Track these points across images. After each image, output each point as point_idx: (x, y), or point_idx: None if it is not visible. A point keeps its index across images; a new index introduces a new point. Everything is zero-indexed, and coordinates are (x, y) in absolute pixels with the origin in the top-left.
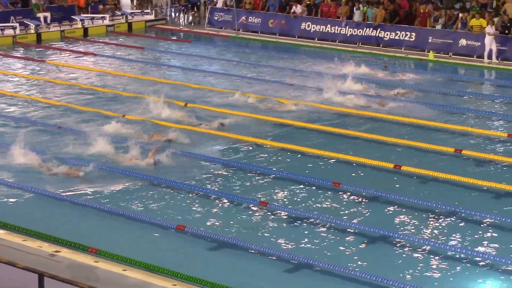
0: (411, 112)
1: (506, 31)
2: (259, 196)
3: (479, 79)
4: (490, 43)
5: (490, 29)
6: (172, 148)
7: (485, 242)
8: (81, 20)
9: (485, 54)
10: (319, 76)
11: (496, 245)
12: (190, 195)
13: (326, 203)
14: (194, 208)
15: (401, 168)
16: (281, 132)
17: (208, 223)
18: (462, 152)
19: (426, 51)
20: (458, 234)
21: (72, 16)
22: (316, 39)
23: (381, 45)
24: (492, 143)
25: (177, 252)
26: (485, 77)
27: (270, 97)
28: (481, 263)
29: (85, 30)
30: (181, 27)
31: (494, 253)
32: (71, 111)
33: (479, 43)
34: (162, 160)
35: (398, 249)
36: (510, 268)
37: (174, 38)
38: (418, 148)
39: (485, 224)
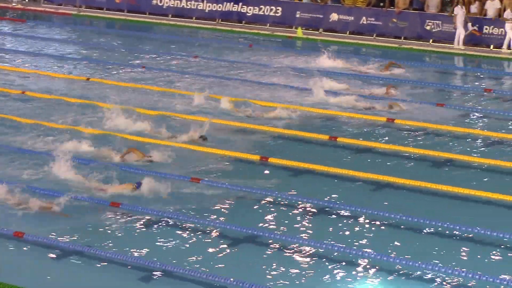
0: None
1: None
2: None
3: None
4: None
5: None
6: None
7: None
8: None
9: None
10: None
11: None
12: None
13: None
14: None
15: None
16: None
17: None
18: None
19: (294, 27)
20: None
21: None
22: (170, 16)
23: (243, 22)
24: (371, 127)
25: None
26: (357, 53)
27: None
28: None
29: None
30: (14, 5)
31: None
32: None
33: (352, 18)
34: (148, 185)
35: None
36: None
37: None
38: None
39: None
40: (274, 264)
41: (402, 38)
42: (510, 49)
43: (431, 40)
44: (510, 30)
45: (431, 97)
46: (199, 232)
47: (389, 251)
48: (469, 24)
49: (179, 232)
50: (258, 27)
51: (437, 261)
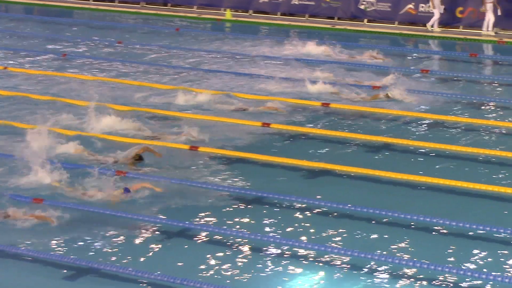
0: None
1: None
2: None
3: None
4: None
5: None
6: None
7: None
8: None
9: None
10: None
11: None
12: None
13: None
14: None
15: None
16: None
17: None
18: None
19: (222, 9)
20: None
21: None
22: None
23: (169, 5)
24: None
25: None
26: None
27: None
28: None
29: None
30: None
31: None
32: None
33: None
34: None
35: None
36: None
37: None
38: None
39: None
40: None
41: (336, 18)
42: (489, 31)
43: (365, 20)
44: (490, 11)
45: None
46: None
47: (331, 241)
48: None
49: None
50: (185, 10)
51: (384, 252)
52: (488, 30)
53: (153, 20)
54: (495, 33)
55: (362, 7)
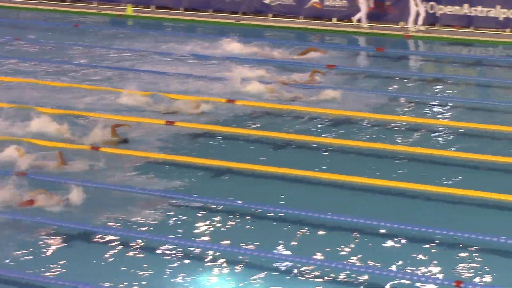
0: None
1: None
2: None
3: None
4: None
5: None
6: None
7: None
8: None
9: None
10: None
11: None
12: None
13: None
14: None
15: None
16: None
17: None
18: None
19: (123, 5)
20: None
21: None
22: None
23: (67, 0)
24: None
25: None
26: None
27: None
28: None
29: None
30: None
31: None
32: None
33: None
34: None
35: None
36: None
37: None
38: None
39: None
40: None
41: (240, 13)
42: (417, 25)
43: (270, 14)
44: (414, 4)
45: None
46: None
47: (234, 240)
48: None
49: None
50: (84, 6)
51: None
52: (416, 25)
53: (51, 17)
54: (424, 29)
55: (266, 1)
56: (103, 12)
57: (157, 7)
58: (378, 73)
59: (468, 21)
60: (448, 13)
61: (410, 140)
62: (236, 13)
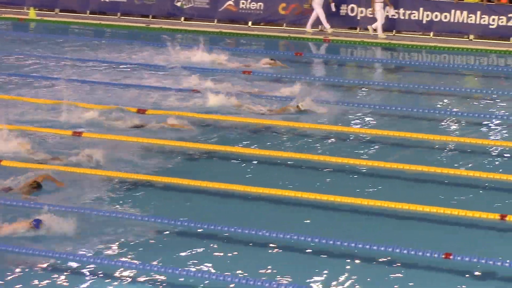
0: None
1: None
2: None
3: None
4: None
5: None
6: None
7: None
8: None
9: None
10: None
11: None
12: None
13: None
14: None
15: None
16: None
17: None
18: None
19: (26, 8)
20: None
21: None
22: None
23: None
24: None
25: None
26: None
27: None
28: None
29: None
30: None
31: None
32: None
33: None
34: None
35: None
36: None
37: None
38: None
39: None
40: None
41: (150, 17)
42: (377, 32)
43: (182, 18)
44: (380, 11)
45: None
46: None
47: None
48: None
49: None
50: None
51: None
52: (377, 33)
53: None
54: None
55: (178, 4)
56: (3, 15)
57: (62, 11)
58: (296, 79)
59: (391, 25)
60: (370, 15)
61: (324, 148)
62: (146, 16)
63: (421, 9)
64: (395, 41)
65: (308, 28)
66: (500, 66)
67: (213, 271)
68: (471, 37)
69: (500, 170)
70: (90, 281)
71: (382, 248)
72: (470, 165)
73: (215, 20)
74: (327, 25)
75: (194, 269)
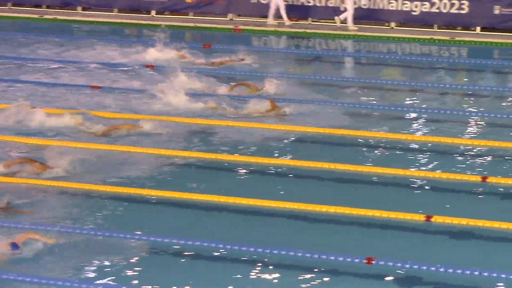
0: None
1: None
2: None
3: None
4: None
5: None
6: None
7: None
8: None
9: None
10: None
11: None
12: None
13: None
14: None
15: None
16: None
17: None
18: None
19: None
20: None
21: None
22: None
23: None
24: None
25: None
26: None
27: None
28: None
29: None
30: None
31: None
32: None
33: None
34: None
35: None
36: None
37: None
38: None
39: None
40: None
41: (44, 7)
42: (345, 23)
43: (79, 8)
44: (351, 5)
45: None
46: None
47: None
48: None
49: None
50: None
51: None
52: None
53: None
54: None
55: None
56: None
57: None
58: (208, 73)
59: (306, 13)
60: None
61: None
62: (39, 6)
63: None
64: (311, 30)
65: (270, 19)
66: (424, 55)
67: None
68: (393, 24)
69: (423, 168)
70: None
71: (299, 254)
72: (392, 163)
73: (115, 10)
74: (285, 17)
75: None
